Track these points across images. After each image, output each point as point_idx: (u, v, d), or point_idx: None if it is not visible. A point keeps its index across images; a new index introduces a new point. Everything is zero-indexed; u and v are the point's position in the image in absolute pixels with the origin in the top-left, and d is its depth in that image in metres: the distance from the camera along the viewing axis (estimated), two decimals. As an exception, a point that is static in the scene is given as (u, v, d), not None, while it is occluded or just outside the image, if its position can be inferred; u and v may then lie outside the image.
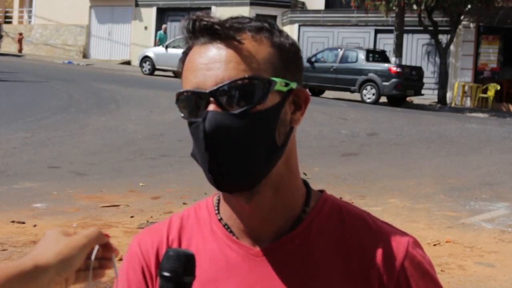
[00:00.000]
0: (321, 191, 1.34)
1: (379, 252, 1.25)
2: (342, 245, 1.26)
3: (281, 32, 1.23)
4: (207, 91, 1.16)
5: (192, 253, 1.10)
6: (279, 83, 1.19)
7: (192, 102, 1.18)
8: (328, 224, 1.28)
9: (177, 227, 1.34)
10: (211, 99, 1.16)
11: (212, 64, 1.17)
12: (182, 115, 1.21)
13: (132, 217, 7.08)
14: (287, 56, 1.22)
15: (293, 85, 1.21)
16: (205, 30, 1.18)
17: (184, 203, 7.44)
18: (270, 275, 1.24)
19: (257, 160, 1.17)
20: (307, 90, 1.24)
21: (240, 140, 1.15)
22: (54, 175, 9.15)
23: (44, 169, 9.50)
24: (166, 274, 1.08)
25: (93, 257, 1.12)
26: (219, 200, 1.32)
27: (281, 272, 1.24)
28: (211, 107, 1.15)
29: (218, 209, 1.32)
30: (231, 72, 1.16)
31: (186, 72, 1.21)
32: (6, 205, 7.30)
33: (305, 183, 1.32)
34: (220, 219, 1.30)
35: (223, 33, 1.17)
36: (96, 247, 1.13)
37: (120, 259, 1.32)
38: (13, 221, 6.61)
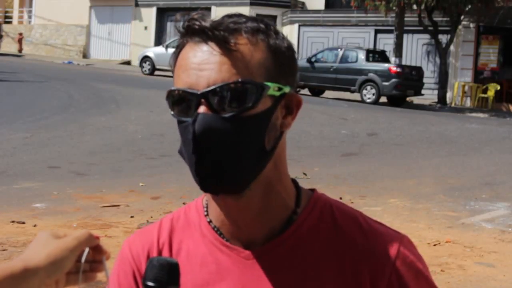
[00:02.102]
0: (312, 190, 1.33)
1: (371, 251, 1.24)
2: (334, 245, 1.25)
3: (277, 33, 1.22)
4: (199, 92, 1.15)
5: (176, 261, 1.09)
6: (272, 88, 1.18)
7: (183, 101, 1.18)
8: (319, 224, 1.27)
9: (167, 230, 1.33)
10: (202, 100, 1.15)
11: (205, 65, 1.16)
12: (172, 112, 1.20)
13: (132, 217, 7.08)
14: (282, 60, 1.20)
15: (286, 89, 1.20)
16: (198, 32, 1.17)
17: (184, 203, 7.43)
18: (262, 278, 1.24)
19: (244, 164, 1.17)
20: (300, 94, 1.23)
21: (229, 143, 1.15)
22: (54, 175, 9.15)
23: (44, 169, 9.50)
24: (150, 284, 1.07)
25: (83, 259, 1.12)
26: (208, 201, 1.31)
27: (273, 274, 1.24)
28: (202, 109, 1.15)
29: (207, 211, 1.31)
30: (224, 74, 1.15)
31: (178, 70, 1.20)
32: (6, 205, 7.30)
33: (295, 183, 1.31)
34: (210, 221, 1.29)
35: (215, 37, 1.16)
36: (86, 250, 1.13)
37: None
38: (13, 221, 6.61)
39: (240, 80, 1.15)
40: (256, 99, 1.16)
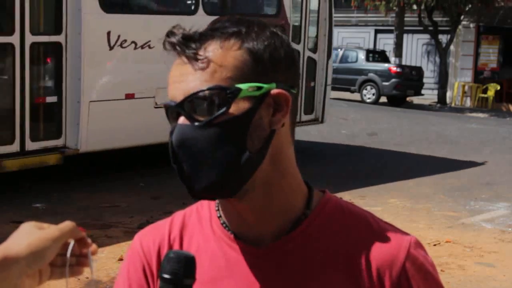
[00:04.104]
0: (323, 191, 1.33)
1: (381, 252, 1.25)
2: (343, 245, 1.26)
3: (260, 33, 1.21)
4: (174, 104, 1.19)
5: (192, 255, 1.10)
6: (247, 89, 1.17)
7: (169, 114, 1.22)
8: (329, 224, 1.28)
9: (179, 226, 1.34)
10: (180, 112, 1.18)
11: (181, 77, 1.19)
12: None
13: (132, 217, 7.08)
14: (261, 58, 1.19)
15: (271, 86, 1.20)
16: (172, 47, 1.21)
17: (183, 203, 7.44)
18: (270, 275, 1.25)
19: (226, 169, 1.17)
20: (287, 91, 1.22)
21: (206, 150, 1.16)
22: (54, 175, 9.15)
23: (44, 169, 9.49)
24: (166, 276, 1.08)
25: (68, 253, 1.11)
26: None
27: (282, 272, 1.25)
28: (181, 119, 1.18)
29: (218, 208, 1.32)
30: (195, 84, 1.17)
31: (167, 86, 1.24)
32: (6, 205, 7.30)
33: (307, 184, 1.31)
34: (219, 217, 1.31)
35: (188, 47, 1.18)
36: (72, 243, 1.11)
37: (120, 259, 1.31)
38: (13, 221, 6.61)
39: (205, 87, 1.16)
40: (225, 103, 1.16)
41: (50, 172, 9.17)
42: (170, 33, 1.20)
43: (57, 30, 7.86)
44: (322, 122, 11.58)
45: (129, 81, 8.57)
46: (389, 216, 7.58)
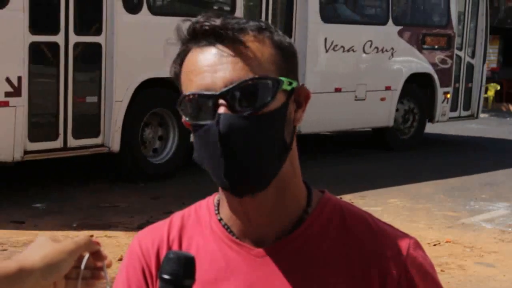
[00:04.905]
0: (322, 191, 1.33)
1: (380, 253, 1.25)
2: (343, 246, 1.26)
3: (277, 31, 1.23)
4: (217, 93, 1.14)
5: (192, 256, 1.10)
6: (285, 82, 1.18)
7: (198, 105, 1.17)
8: (329, 224, 1.28)
9: (177, 227, 1.33)
10: (221, 101, 1.14)
11: (219, 66, 1.15)
12: (187, 119, 1.19)
13: (132, 217, 7.08)
14: (288, 55, 1.21)
15: (295, 83, 1.21)
16: (207, 34, 1.17)
17: (183, 203, 7.42)
18: (271, 275, 1.24)
19: (270, 161, 1.17)
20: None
21: (253, 142, 1.15)
22: (54, 175, 9.14)
23: (44, 169, 9.48)
24: (166, 276, 1.08)
25: (83, 265, 1.11)
26: (219, 199, 1.32)
27: (282, 272, 1.24)
28: (222, 109, 1.14)
29: (218, 209, 1.31)
30: (239, 73, 1.15)
31: (189, 75, 1.19)
32: (6, 205, 7.30)
33: (306, 184, 1.32)
34: (220, 219, 1.30)
35: (227, 35, 1.16)
36: (86, 256, 1.12)
37: (120, 259, 1.31)
38: (13, 221, 6.61)
39: (256, 76, 1.15)
40: (273, 94, 1.16)
41: (50, 172, 9.17)
42: (203, 20, 1.17)
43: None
44: (477, 117, 13.67)
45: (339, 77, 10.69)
46: (389, 216, 7.58)
